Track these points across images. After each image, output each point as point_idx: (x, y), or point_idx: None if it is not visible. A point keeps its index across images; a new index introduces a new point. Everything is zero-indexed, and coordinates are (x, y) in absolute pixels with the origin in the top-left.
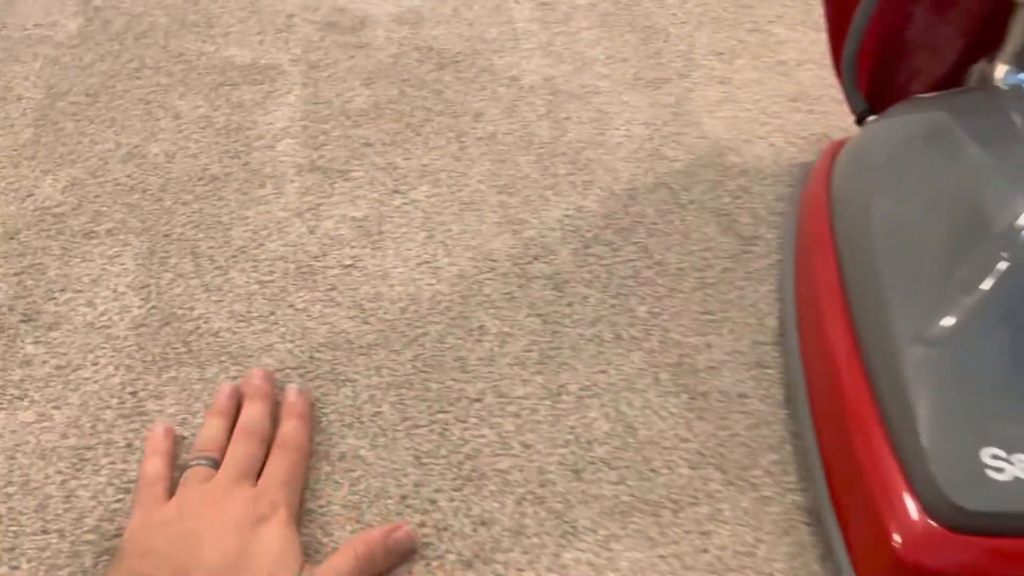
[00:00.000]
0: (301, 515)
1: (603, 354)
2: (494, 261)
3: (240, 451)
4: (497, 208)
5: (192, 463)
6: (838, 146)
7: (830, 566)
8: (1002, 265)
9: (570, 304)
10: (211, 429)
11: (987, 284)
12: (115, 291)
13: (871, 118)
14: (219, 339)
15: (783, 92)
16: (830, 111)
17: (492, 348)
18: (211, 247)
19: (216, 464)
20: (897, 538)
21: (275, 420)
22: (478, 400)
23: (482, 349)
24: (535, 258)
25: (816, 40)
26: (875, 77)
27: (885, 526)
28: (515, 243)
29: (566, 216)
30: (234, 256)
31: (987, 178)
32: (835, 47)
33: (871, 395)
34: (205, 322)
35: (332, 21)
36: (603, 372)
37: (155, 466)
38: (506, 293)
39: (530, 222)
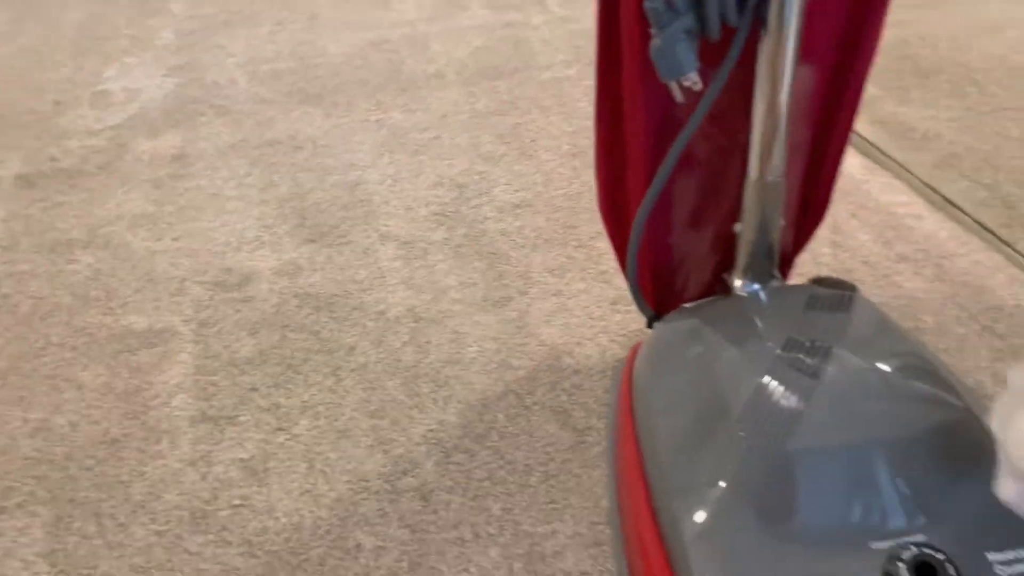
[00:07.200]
0: None
1: (465, 553)
2: (367, 482)
3: None
4: (369, 432)
5: None
6: (639, 346)
7: None
8: (741, 440)
9: (435, 511)
10: None
11: (734, 459)
12: (25, 561)
13: (657, 323)
14: None
15: (606, 297)
16: None
17: (367, 563)
18: (112, 506)
19: None
20: None
21: None
22: None
23: (359, 566)
24: (404, 473)
25: None
26: (657, 290)
27: None
28: (386, 462)
29: (430, 431)
30: (134, 511)
31: (729, 370)
32: (624, 269)
33: (666, 560)
34: None
35: (220, 280)
36: (465, 570)
37: None
38: (379, 509)
39: (398, 441)
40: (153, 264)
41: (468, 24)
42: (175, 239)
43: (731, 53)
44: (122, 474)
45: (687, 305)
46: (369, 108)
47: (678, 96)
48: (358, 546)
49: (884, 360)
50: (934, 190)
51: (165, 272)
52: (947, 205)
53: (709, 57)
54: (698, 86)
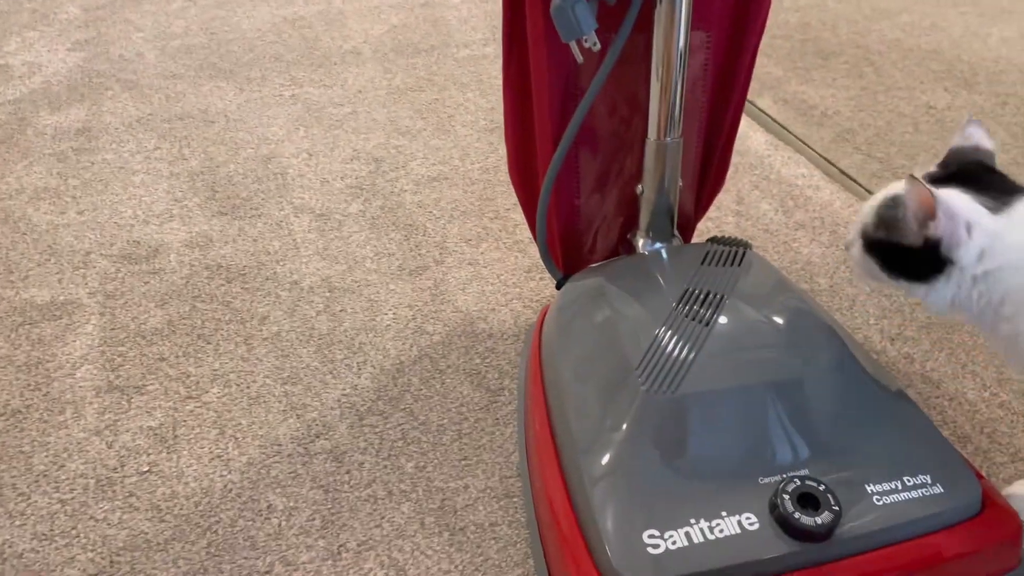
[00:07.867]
0: None
1: (377, 510)
2: (280, 446)
3: None
4: (282, 398)
5: None
6: (548, 307)
7: None
8: (639, 387)
9: (348, 472)
10: None
11: (633, 405)
12: None
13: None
14: (23, 560)
15: (520, 266)
16: None
17: (279, 523)
18: (13, 476)
19: None
20: None
21: None
22: (267, 572)
23: (270, 526)
24: (317, 436)
25: None
26: (565, 252)
27: None
28: (299, 426)
29: (344, 395)
30: (36, 481)
31: (629, 323)
32: (534, 233)
33: (569, 503)
34: (9, 547)
35: (127, 253)
36: (378, 526)
37: None
38: (291, 472)
39: (312, 405)
40: (56, 237)
41: (385, 2)
42: (79, 213)
43: (627, 18)
44: (23, 445)
45: (593, 265)
46: (283, 83)
47: (579, 57)
48: (270, 507)
49: (773, 309)
50: (831, 163)
51: (69, 245)
52: (843, 177)
53: (610, 23)
54: (597, 47)
